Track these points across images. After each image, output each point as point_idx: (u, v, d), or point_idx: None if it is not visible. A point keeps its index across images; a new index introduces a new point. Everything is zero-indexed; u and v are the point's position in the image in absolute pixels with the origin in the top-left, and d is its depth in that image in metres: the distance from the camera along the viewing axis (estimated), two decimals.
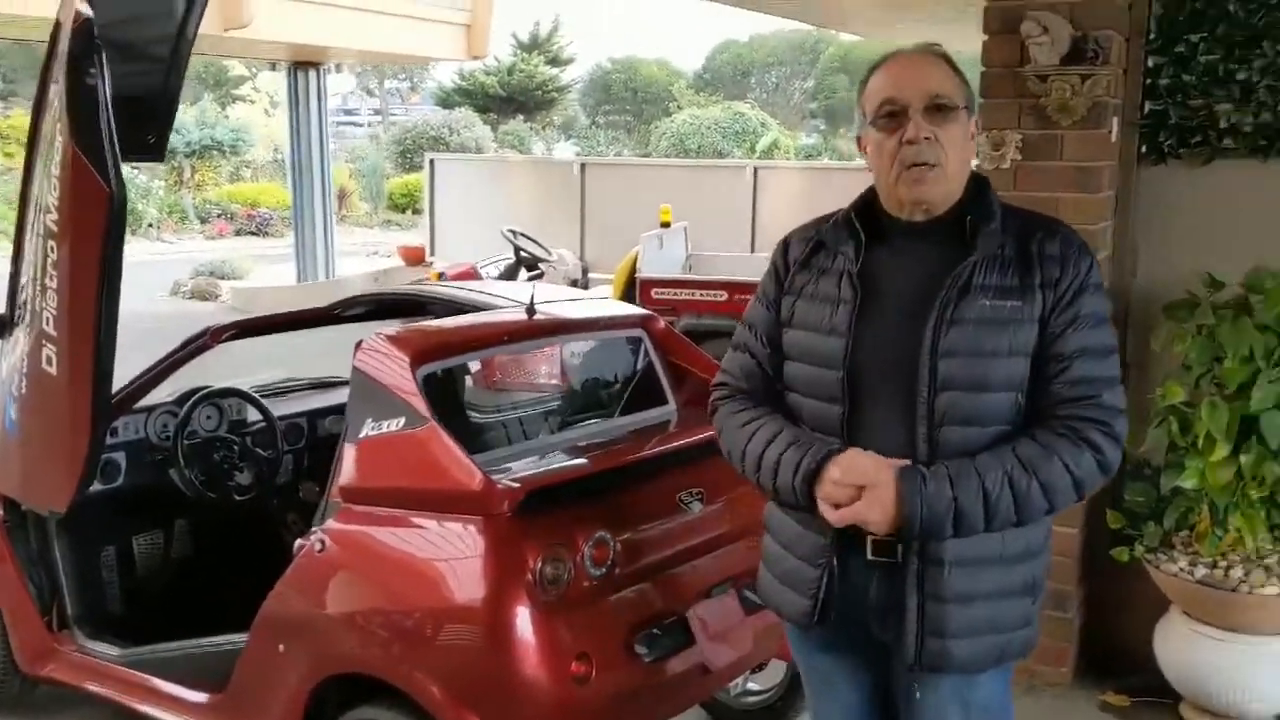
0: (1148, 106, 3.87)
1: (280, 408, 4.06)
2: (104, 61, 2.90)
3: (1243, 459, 3.48)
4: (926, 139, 1.96)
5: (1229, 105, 3.75)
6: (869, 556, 2.02)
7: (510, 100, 33.86)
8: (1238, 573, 3.56)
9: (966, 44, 3.97)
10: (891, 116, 1.98)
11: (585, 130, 36.04)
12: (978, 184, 2.07)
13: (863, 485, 1.92)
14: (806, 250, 2.14)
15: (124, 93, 3.08)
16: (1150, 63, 3.85)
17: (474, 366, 3.36)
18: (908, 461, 1.95)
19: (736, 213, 11.22)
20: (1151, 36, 3.84)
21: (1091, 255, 2.04)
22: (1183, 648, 3.68)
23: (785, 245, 2.20)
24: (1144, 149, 3.90)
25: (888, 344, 1.99)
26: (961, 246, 2.00)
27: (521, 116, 33.18)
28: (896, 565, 2.00)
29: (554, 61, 35.96)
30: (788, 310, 2.13)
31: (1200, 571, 3.61)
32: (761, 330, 2.18)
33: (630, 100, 36.92)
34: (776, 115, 31.54)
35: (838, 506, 1.95)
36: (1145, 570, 3.71)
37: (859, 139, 2.11)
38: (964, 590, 1.99)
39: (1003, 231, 2.00)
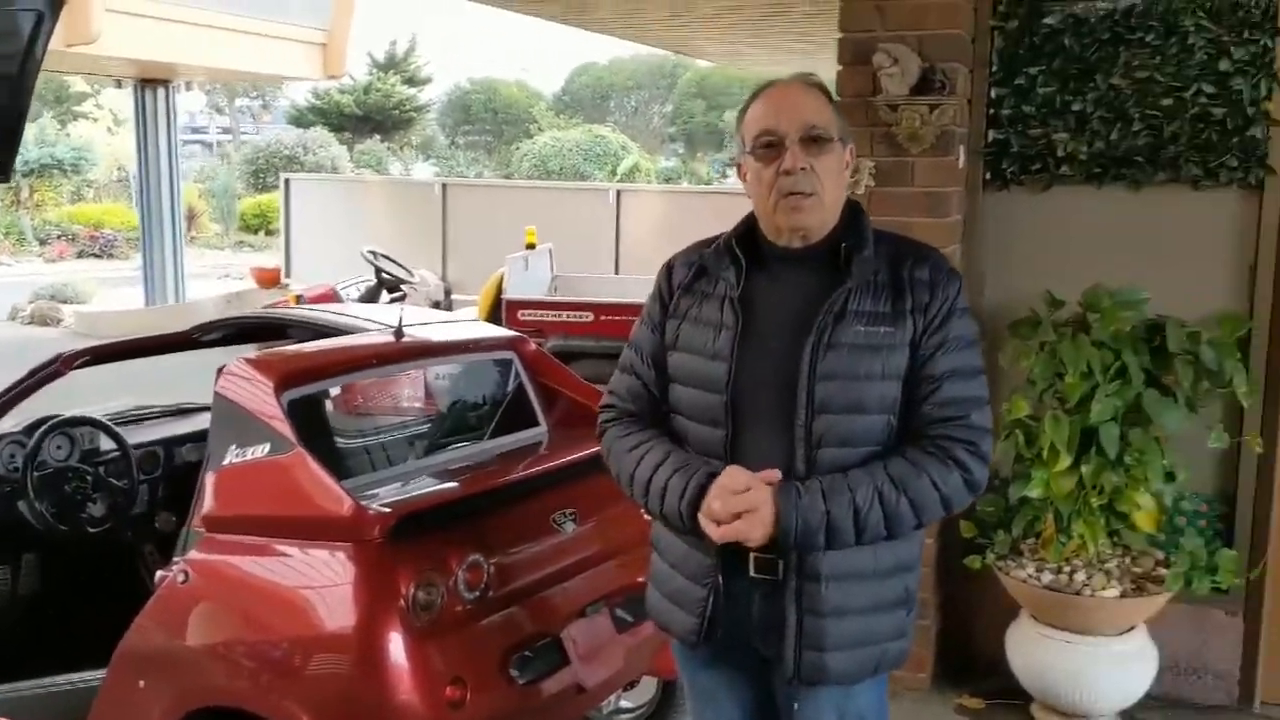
0: (991, 135, 4.07)
1: (135, 435, 3.93)
2: None
3: (1084, 469, 3.67)
4: (803, 169, 2.03)
5: (1065, 134, 3.97)
6: (751, 574, 2.07)
7: (367, 120, 33.40)
8: (1080, 577, 3.75)
9: (819, 74, 4.11)
10: (769, 146, 2.05)
11: (444, 151, 35.77)
12: (853, 211, 2.16)
13: (742, 504, 1.98)
14: (689, 275, 2.19)
15: None
16: (993, 94, 4.05)
17: (342, 391, 3.32)
18: (779, 473, 2.01)
19: (600, 235, 11.32)
20: (994, 69, 4.04)
21: (960, 280, 2.12)
22: (1032, 650, 3.85)
23: (669, 269, 2.25)
24: (988, 175, 4.10)
25: (768, 368, 2.05)
26: (837, 273, 2.07)
27: (379, 136, 32.75)
28: (777, 583, 2.06)
29: (411, 81, 35.60)
30: (672, 333, 2.18)
31: (1046, 577, 3.79)
32: (647, 353, 2.23)
33: (490, 121, 36.80)
34: (636, 139, 31.86)
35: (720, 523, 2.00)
36: (996, 577, 3.88)
37: (738, 166, 2.17)
38: (839, 605, 2.06)
39: (876, 258, 2.08)
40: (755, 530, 1.97)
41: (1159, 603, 3.74)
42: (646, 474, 2.11)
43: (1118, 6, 3.85)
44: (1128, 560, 3.82)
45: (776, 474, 2.01)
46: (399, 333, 3.23)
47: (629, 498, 2.19)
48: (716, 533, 2.00)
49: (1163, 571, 3.76)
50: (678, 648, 2.29)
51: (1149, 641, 3.82)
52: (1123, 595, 3.69)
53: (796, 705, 2.14)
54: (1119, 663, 3.76)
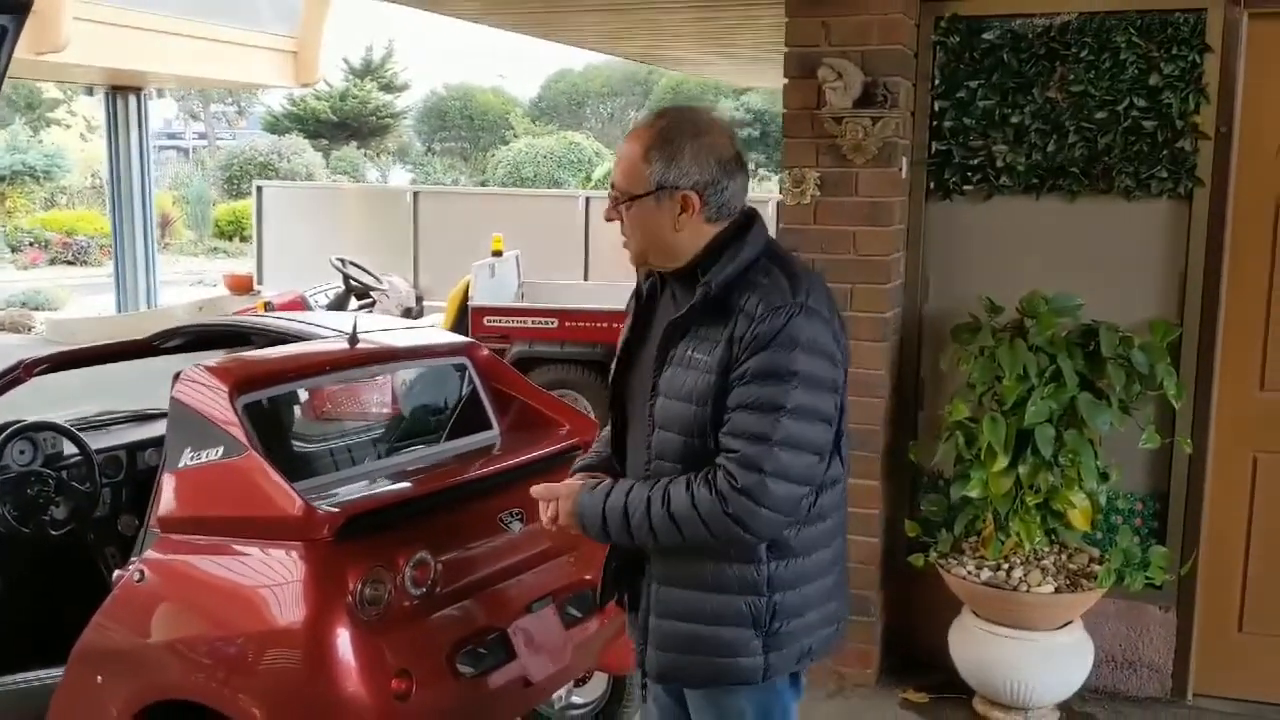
0: (934, 147, 4.20)
1: (98, 441, 3.99)
2: None
3: (1020, 469, 3.80)
4: (612, 219, 2.22)
5: (1005, 146, 4.10)
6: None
7: (343, 126, 33.40)
8: (1018, 574, 3.87)
9: (778, 82, 4.23)
10: None
11: (420, 157, 35.79)
12: (721, 242, 2.17)
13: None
14: (640, 281, 2.38)
15: None
16: (936, 106, 4.18)
17: (298, 396, 3.40)
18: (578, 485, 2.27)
19: (569, 241, 11.38)
20: (936, 82, 4.17)
21: (790, 315, 2.06)
22: (973, 645, 3.97)
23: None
24: (931, 185, 4.23)
25: (640, 379, 2.25)
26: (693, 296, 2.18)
27: (355, 143, 32.76)
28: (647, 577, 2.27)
29: (388, 88, 35.63)
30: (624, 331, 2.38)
31: (985, 574, 3.92)
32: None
33: (467, 127, 36.83)
34: (611, 145, 31.96)
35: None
36: (940, 575, 4.00)
37: None
38: (664, 607, 2.22)
39: (728, 284, 2.12)
40: (558, 515, 2.25)
41: (1093, 598, 3.87)
42: None
43: (1053, 23, 3.99)
44: (1064, 557, 3.95)
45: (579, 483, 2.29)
46: (353, 339, 3.32)
47: None
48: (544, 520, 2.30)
49: (1097, 568, 3.89)
50: None
51: (1085, 636, 3.95)
52: (1057, 591, 3.82)
53: (643, 692, 2.40)
54: (1056, 657, 3.89)
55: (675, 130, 2.15)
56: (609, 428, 2.43)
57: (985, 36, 4.07)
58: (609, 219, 2.22)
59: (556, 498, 2.25)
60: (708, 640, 2.18)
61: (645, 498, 2.12)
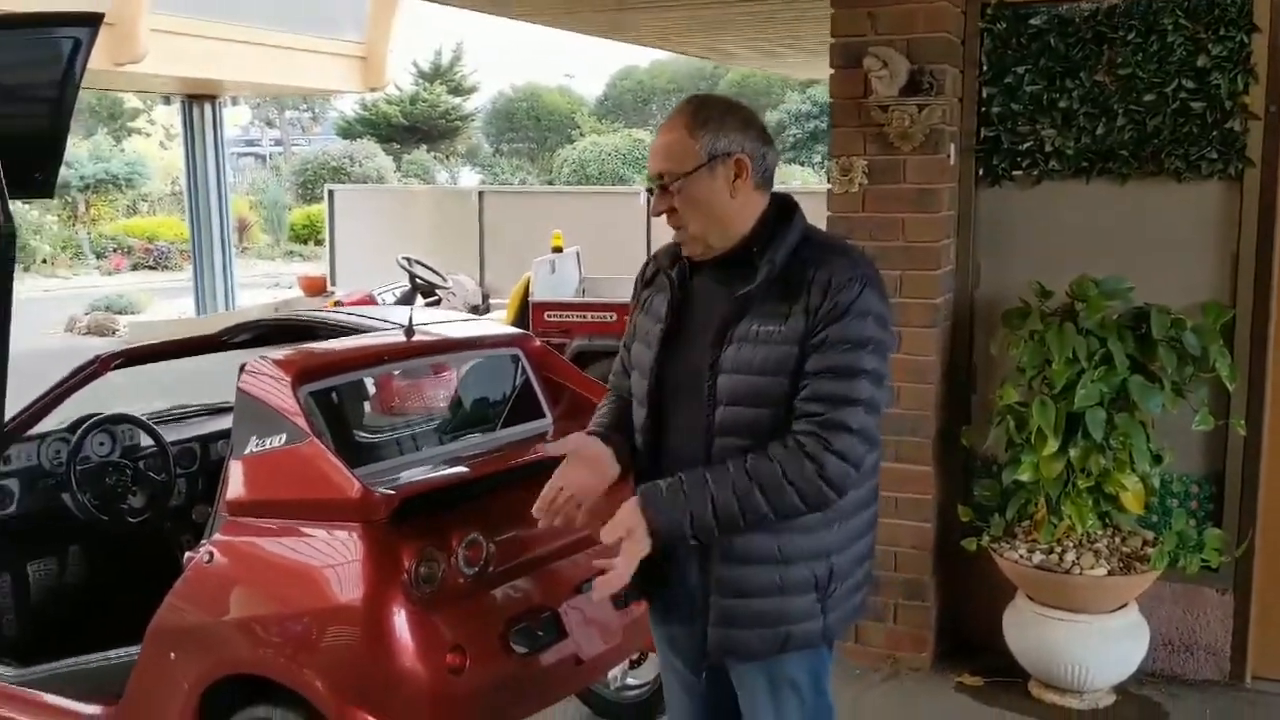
0: (982, 133, 4.22)
1: (173, 433, 4.19)
2: None
3: (1071, 452, 3.81)
4: (666, 210, 2.25)
5: (1053, 131, 4.11)
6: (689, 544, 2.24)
7: (413, 130, 33.87)
8: (1070, 557, 3.88)
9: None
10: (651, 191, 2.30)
11: (489, 159, 36.17)
12: (772, 217, 2.26)
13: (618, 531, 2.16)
14: (653, 272, 2.42)
15: (11, 132, 3.22)
16: (983, 92, 4.19)
17: (358, 385, 3.54)
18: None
19: (631, 237, 11.50)
20: (984, 69, 4.19)
21: (865, 287, 2.17)
22: (1028, 629, 3.99)
23: (644, 266, 2.47)
24: (980, 172, 4.25)
25: (686, 360, 2.27)
26: (750, 275, 2.23)
27: (425, 146, 33.20)
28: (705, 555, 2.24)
29: (456, 90, 36.06)
30: (634, 324, 2.43)
31: (1038, 557, 3.93)
32: (626, 339, 2.49)
33: (534, 128, 37.13)
34: None
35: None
36: (993, 559, 4.02)
37: None
38: (739, 586, 2.23)
39: (789, 261, 2.21)
40: (637, 552, 2.14)
41: (1147, 581, 3.87)
42: None
43: (1100, 6, 3.99)
44: (1117, 540, 3.95)
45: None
46: (409, 331, 3.44)
47: None
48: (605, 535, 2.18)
49: (1151, 551, 3.88)
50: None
51: (1140, 619, 3.95)
52: (1110, 574, 3.82)
53: (704, 674, 2.36)
54: (1111, 640, 3.90)
55: (710, 107, 2.26)
56: (607, 410, 2.46)
57: (1032, 22, 4.08)
58: (659, 212, 2.25)
59: (624, 530, 2.16)
60: (776, 611, 2.23)
61: (728, 482, 2.12)
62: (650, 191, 2.30)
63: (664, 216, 2.27)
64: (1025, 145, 4.16)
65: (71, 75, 3.69)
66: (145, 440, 4.08)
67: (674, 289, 2.32)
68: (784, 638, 2.25)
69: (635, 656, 3.66)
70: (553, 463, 3.30)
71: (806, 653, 2.30)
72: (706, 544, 2.19)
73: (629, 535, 2.14)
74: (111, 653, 3.35)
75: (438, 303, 8.99)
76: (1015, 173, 4.20)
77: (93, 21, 3.65)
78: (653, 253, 2.49)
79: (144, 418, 4.09)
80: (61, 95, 3.73)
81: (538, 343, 3.83)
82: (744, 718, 2.36)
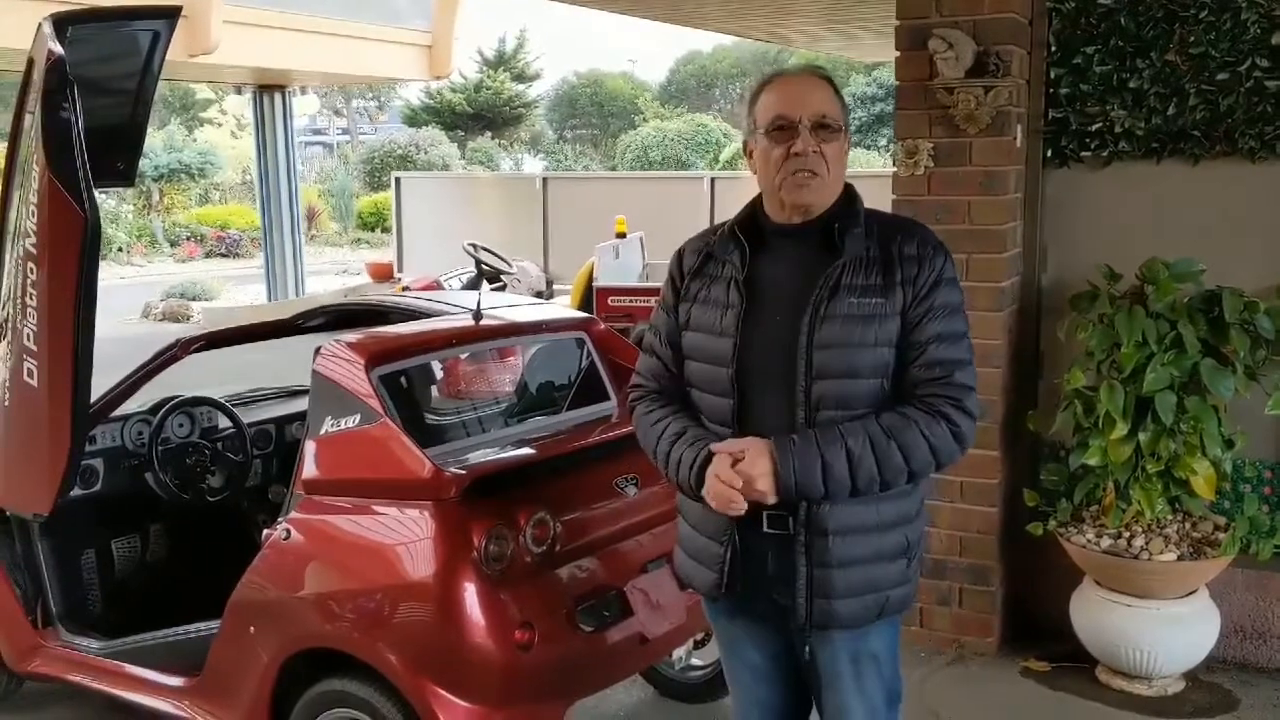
0: (1050, 114, 4.18)
1: (249, 415, 4.30)
2: (76, 96, 3.15)
3: (1141, 437, 3.78)
4: (814, 152, 2.23)
5: (1123, 111, 4.06)
6: (765, 530, 2.27)
7: (478, 117, 34.13)
8: (1139, 542, 3.85)
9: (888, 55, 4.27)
10: (782, 130, 2.25)
11: (552, 145, 36.33)
12: (848, 194, 2.34)
13: (741, 457, 2.18)
14: (698, 260, 2.40)
15: (95, 124, 3.33)
16: (1051, 74, 4.15)
17: (429, 368, 3.61)
18: (767, 442, 2.19)
19: (694, 222, 11.50)
20: (1052, 49, 4.15)
21: (946, 253, 2.30)
22: (1095, 614, 3.96)
23: (680, 255, 2.46)
24: (1048, 153, 4.21)
25: (770, 340, 2.26)
26: (831, 250, 2.26)
27: (489, 133, 33.43)
28: (789, 537, 2.26)
29: (520, 77, 36.25)
30: (684, 315, 2.39)
31: (1106, 542, 3.90)
32: (664, 334, 2.45)
33: (597, 114, 37.25)
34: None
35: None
36: (1060, 544, 4.00)
37: (745, 145, 2.38)
38: (844, 556, 2.26)
39: (866, 235, 2.28)
40: (757, 479, 2.16)
41: (1218, 567, 3.83)
42: (666, 448, 2.34)
43: None
44: (1187, 525, 3.91)
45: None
46: (477, 315, 3.51)
47: (655, 465, 2.41)
48: (712, 500, 2.21)
49: (1222, 536, 3.84)
50: (705, 602, 2.51)
51: (1210, 605, 3.90)
52: (1180, 559, 3.79)
53: (809, 648, 2.34)
54: (1180, 625, 3.86)
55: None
56: (682, 413, 2.37)
57: (1101, 1, 4.03)
58: (811, 150, 2.21)
59: (739, 452, 2.18)
60: (875, 578, 2.28)
61: (864, 438, 2.16)
62: (780, 129, 2.23)
63: (799, 159, 2.22)
64: (1094, 126, 4.11)
65: (151, 67, 3.81)
66: (223, 422, 4.20)
67: (741, 271, 2.31)
68: (882, 603, 2.30)
69: (699, 636, 3.70)
70: (615, 443, 3.37)
71: (885, 626, 2.35)
72: (833, 500, 2.20)
73: (753, 480, 2.16)
74: (192, 627, 3.47)
75: (503, 288, 9.09)
76: (1084, 154, 4.16)
77: (172, 14, 3.76)
78: (680, 248, 2.47)
79: (222, 399, 4.21)
80: (142, 86, 3.86)
81: (602, 326, 3.88)
82: (824, 692, 2.38)
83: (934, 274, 2.25)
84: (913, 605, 2.42)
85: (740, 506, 2.19)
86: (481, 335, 3.57)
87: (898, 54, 4.15)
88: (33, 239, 3.28)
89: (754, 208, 2.39)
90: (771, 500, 2.18)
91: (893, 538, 2.30)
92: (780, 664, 2.46)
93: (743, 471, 2.17)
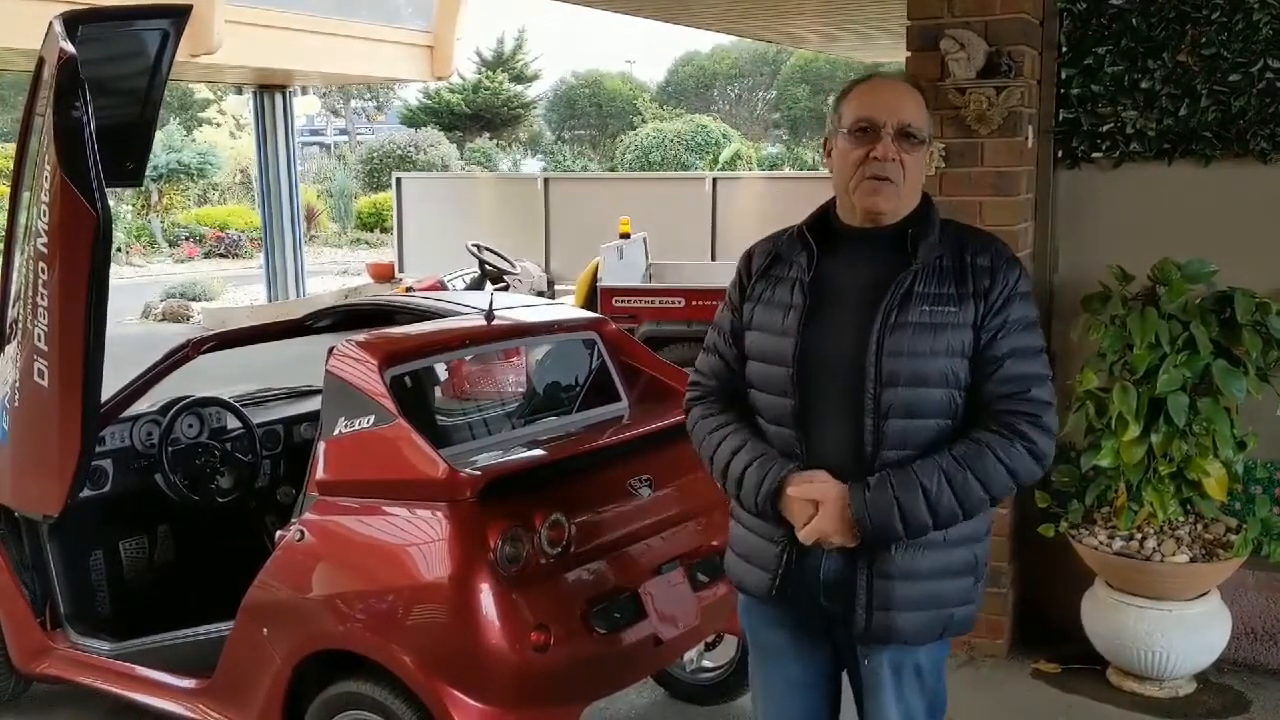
0: (1061, 115, 4.17)
1: (258, 416, 4.29)
2: (87, 96, 3.14)
3: (1153, 438, 3.76)
4: (893, 160, 2.20)
5: (1134, 112, 4.05)
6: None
7: (476, 118, 34.09)
8: (1151, 544, 3.84)
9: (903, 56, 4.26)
10: (864, 132, 2.22)
11: (551, 146, 36.31)
12: (924, 201, 2.30)
13: (817, 502, 2.18)
14: (766, 261, 2.38)
15: (105, 123, 3.32)
16: (1062, 74, 4.15)
17: (442, 368, 3.60)
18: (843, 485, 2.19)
19: (696, 223, 11.53)
20: (1063, 50, 4.14)
21: (1020, 266, 2.26)
22: (1106, 616, 3.96)
23: (749, 256, 2.44)
24: (1059, 154, 4.20)
25: (836, 344, 2.22)
26: (903, 256, 2.23)
27: (488, 134, 33.40)
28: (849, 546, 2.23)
29: (519, 78, 36.21)
30: (748, 315, 2.37)
31: (1118, 544, 3.89)
32: (728, 333, 2.42)
33: (596, 115, 37.20)
34: (739, 127, 31.93)
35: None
36: (1071, 545, 3.99)
37: (825, 142, 2.35)
38: (908, 569, 2.22)
39: (940, 244, 2.24)
40: (830, 525, 2.17)
41: (1230, 569, 3.82)
42: (725, 458, 2.32)
43: None
44: (1199, 527, 3.90)
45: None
46: (489, 315, 3.50)
47: (709, 472, 2.39)
48: (802, 534, 2.21)
49: (1234, 538, 3.83)
50: (746, 605, 2.47)
51: (1222, 607, 3.90)
52: (1192, 561, 3.78)
53: (865, 660, 2.31)
54: (1192, 627, 3.85)
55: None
56: (746, 428, 2.34)
57: (1113, 2, 4.03)
58: (892, 157, 2.19)
59: (826, 501, 2.18)
60: (943, 594, 2.24)
61: (937, 475, 2.13)
62: (862, 131, 2.21)
63: (878, 164, 2.20)
64: (1105, 127, 4.11)
65: (160, 66, 3.81)
66: (232, 422, 4.19)
67: (807, 273, 2.28)
68: (946, 621, 2.26)
69: (711, 638, 3.69)
70: (628, 445, 3.36)
71: (944, 643, 2.32)
72: (916, 536, 2.18)
73: (828, 535, 2.18)
74: (204, 628, 3.45)
75: (505, 288, 9.08)
76: (1095, 155, 4.15)
77: (181, 13, 3.75)
78: (750, 248, 2.46)
79: (231, 400, 4.20)
80: (151, 86, 3.85)
81: (613, 326, 3.87)
82: (866, 705, 2.36)
83: (1008, 288, 2.21)
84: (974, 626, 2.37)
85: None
86: (494, 335, 3.56)
87: (908, 54, 4.14)
88: (44, 239, 3.27)
89: (826, 209, 2.36)
90: (852, 544, 2.19)
91: (960, 554, 2.26)
92: (820, 679, 2.44)
93: (817, 528, 2.18)
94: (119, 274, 20.23)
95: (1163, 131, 4.02)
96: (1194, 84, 3.94)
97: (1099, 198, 4.17)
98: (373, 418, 3.02)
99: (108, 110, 3.56)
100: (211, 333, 4.03)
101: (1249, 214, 3.94)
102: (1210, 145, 3.96)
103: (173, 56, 3.83)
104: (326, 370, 3.16)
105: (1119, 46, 4.05)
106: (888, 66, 13.41)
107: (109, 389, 3.72)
